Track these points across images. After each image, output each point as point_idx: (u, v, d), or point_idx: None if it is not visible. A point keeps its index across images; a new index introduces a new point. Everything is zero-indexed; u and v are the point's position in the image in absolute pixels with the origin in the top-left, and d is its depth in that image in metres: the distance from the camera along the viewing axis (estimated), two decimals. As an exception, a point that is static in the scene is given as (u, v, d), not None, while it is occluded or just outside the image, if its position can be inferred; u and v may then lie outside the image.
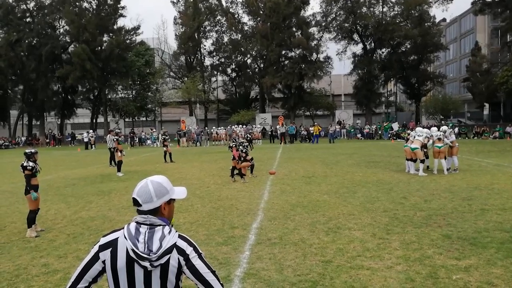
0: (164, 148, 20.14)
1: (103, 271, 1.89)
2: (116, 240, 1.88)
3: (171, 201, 1.97)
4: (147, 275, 1.84)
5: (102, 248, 1.89)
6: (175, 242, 1.86)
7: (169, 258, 1.83)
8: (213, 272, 1.89)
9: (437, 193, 9.64)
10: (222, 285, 1.91)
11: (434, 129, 14.02)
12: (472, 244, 5.70)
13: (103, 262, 1.87)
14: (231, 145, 13.19)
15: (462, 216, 7.32)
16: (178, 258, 1.85)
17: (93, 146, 36.13)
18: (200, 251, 1.92)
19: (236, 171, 12.74)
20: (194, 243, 1.92)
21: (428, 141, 13.14)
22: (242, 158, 13.89)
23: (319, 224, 7.10)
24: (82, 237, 6.84)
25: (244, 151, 13.90)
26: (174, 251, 1.85)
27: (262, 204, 9.01)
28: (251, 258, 5.46)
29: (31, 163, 7.18)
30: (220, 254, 5.63)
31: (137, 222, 1.88)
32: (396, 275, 4.71)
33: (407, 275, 4.68)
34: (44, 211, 8.94)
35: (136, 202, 1.90)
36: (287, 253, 5.59)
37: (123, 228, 1.92)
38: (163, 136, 21.61)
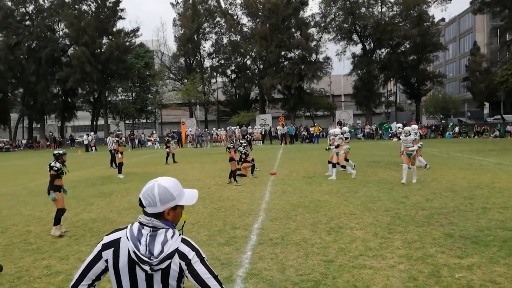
0: (167, 150, 20.11)
1: (106, 269, 1.90)
2: (118, 240, 1.87)
3: (177, 207, 1.91)
4: (149, 278, 1.83)
5: (105, 247, 1.88)
6: (177, 247, 1.83)
7: (170, 263, 1.81)
8: (215, 277, 1.86)
9: (439, 192, 9.63)
10: None
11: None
12: (475, 243, 5.69)
13: (106, 261, 1.87)
14: (229, 146, 13.10)
15: (464, 215, 7.31)
16: (180, 263, 1.82)
17: (93, 148, 36.13)
18: (203, 256, 1.88)
19: (238, 172, 12.66)
20: (197, 247, 1.89)
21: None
22: (242, 159, 13.89)
23: (321, 224, 7.09)
24: (83, 238, 6.84)
25: (243, 152, 13.90)
26: (176, 256, 1.82)
27: (263, 204, 9.00)
28: (253, 258, 5.45)
29: (58, 164, 7.26)
30: (222, 254, 5.62)
31: (140, 223, 1.86)
32: (398, 274, 4.70)
33: (409, 274, 4.67)
34: (46, 213, 8.94)
35: (141, 203, 1.88)
36: (289, 253, 5.58)
37: (126, 227, 1.90)
38: (166, 138, 21.62)
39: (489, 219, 6.98)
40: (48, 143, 45.27)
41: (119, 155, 15.58)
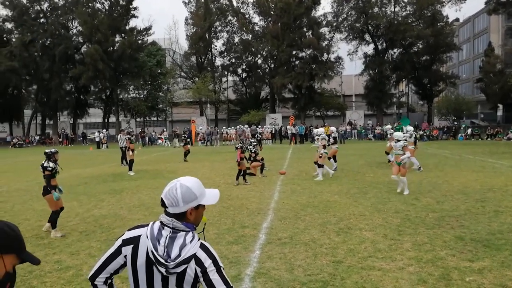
0: (183, 147, 20.58)
1: (124, 265, 1.92)
2: (139, 237, 1.88)
3: (199, 207, 1.91)
4: (164, 279, 1.83)
5: (125, 243, 1.90)
6: (195, 253, 1.81)
7: (186, 268, 1.79)
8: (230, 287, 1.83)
9: (450, 194, 9.53)
10: None
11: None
12: (486, 246, 5.62)
13: (125, 256, 1.89)
14: (237, 146, 13.02)
15: (476, 218, 7.22)
16: (196, 269, 1.80)
17: (104, 145, 36.48)
18: (220, 265, 1.85)
19: (246, 171, 12.58)
20: (215, 255, 1.86)
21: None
22: (252, 158, 13.88)
23: (330, 224, 7.06)
24: (94, 234, 6.91)
25: (253, 150, 13.89)
26: (193, 261, 1.80)
27: (272, 204, 9.00)
28: (261, 257, 5.46)
29: (51, 164, 7.00)
30: (230, 253, 5.64)
31: (161, 223, 1.86)
32: (408, 276, 4.67)
33: (419, 277, 4.63)
34: (57, 209, 9.05)
35: (163, 203, 1.86)
36: (298, 253, 5.57)
37: (148, 225, 1.91)
38: (183, 136, 21.92)
39: (501, 222, 6.88)
40: (60, 139, 45.84)
41: (130, 152, 15.72)
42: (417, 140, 15.91)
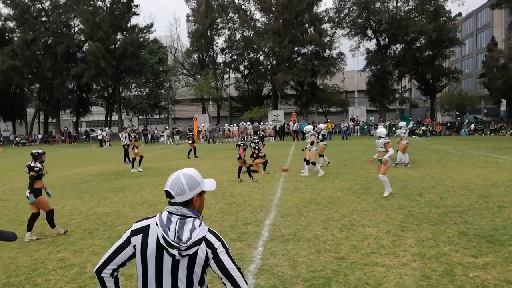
0: (190, 144, 20.69)
1: (133, 256, 1.98)
2: (148, 226, 1.96)
3: (202, 193, 2.04)
4: (175, 264, 1.90)
5: (134, 233, 1.97)
6: (205, 235, 1.92)
7: (197, 249, 1.89)
8: (239, 269, 1.94)
9: (453, 190, 9.50)
10: (246, 282, 1.96)
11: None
12: (490, 242, 5.60)
13: (134, 247, 1.96)
14: (239, 143, 12.98)
15: (479, 213, 7.19)
16: (206, 251, 1.91)
17: (107, 143, 36.56)
18: (228, 247, 1.97)
19: (244, 170, 12.53)
20: (222, 239, 1.98)
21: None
22: (254, 156, 13.88)
23: (333, 220, 7.06)
24: (97, 232, 6.93)
25: (256, 147, 13.89)
26: (203, 243, 1.90)
27: (275, 200, 9.00)
28: (264, 254, 5.46)
29: (39, 164, 6.74)
30: (233, 250, 5.64)
31: (169, 212, 1.96)
32: (411, 272, 4.66)
33: (423, 272, 4.62)
34: (60, 207, 9.08)
35: (169, 195, 1.96)
36: (301, 250, 5.57)
37: (155, 216, 1.99)
38: (189, 133, 22.01)
39: (505, 218, 6.85)
40: (63, 137, 45.96)
41: (135, 149, 15.80)
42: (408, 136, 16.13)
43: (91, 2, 47.80)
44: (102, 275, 1.99)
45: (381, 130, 9.84)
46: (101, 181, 13.22)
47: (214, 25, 51.15)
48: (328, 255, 5.30)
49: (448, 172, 12.44)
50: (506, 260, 4.90)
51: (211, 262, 1.91)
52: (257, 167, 13.75)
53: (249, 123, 39.24)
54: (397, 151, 14.37)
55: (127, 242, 1.96)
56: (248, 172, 12.11)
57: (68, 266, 5.35)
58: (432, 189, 9.71)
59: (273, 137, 36.64)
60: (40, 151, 6.89)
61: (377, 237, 6.00)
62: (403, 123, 15.61)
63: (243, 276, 1.95)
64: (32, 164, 6.70)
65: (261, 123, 40.06)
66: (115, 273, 2.01)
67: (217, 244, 1.92)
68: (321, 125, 16.54)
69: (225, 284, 1.94)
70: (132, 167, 15.54)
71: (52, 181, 13.35)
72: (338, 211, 7.76)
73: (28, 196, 6.61)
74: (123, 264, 2.00)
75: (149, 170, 15.61)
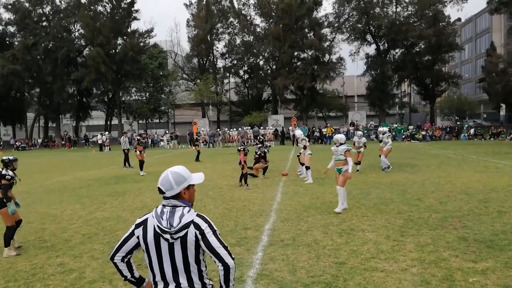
0: (195, 148, 21.07)
1: (137, 245, 2.34)
2: (146, 219, 2.32)
3: (190, 187, 2.34)
4: (171, 247, 2.23)
5: (137, 226, 2.34)
6: (193, 219, 2.23)
7: (187, 232, 2.20)
8: (225, 247, 2.25)
9: (453, 195, 9.50)
10: (233, 258, 2.26)
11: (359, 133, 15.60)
12: (489, 247, 5.59)
13: (137, 237, 2.32)
14: (239, 148, 12.74)
15: (479, 218, 7.19)
16: (195, 232, 2.21)
17: (106, 147, 36.56)
18: (215, 228, 2.27)
19: (247, 174, 12.42)
20: (210, 221, 2.27)
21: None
22: (261, 161, 13.88)
23: (332, 225, 7.05)
24: (97, 237, 6.92)
25: (258, 152, 13.89)
26: (192, 226, 2.21)
27: (274, 205, 8.99)
28: (264, 259, 5.45)
29: (11, 172, 6.14)
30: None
31: (163, 205, 2.29)
32: (411, 277, 4.65)
33: (422, 278, 4.62)
34: (60, 212, 9.08)
35: (160, 191, 2.29)
36: (300, 255, 5.57)
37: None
38: (196, 137, 22.15)
39: (505, 222, 6.85)
40: (63, 142, 45.95)
41: (138, 152, 15.96)
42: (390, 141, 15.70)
43: (92, 7, 47.97)
44: (114, 260, 2.37)
45: (341, 136, 8.88)
46: (101, 185, 13.21)
47: (214, 30, 51.32)
48: (327, 260, 5.30)
49: (447, 177, 12.44)
50: (505, 265, 4.89)
51: (201, 242, 2.21)
52: (257, 172, 13.74)
53: (249, 127, 39.26)
54: (380, 156, 14.49)
55: (132, 234, 2.33)
56: (245, 179, 11.89)
57: (67, 271, 5.34)
58: (431, 194, 9.71)
59: (272, 142, 36.65)
60: (11, 158, 6.39)
61: (376, 242, 6.00)
62: (384, 128, 15.71)
63: (229, 253, 2.25)
64: (4, 172, 6.08)
65: (261, 127, 40.07)
66: (125, 259, 2.37)
67: (203, 225, 2.22)
68: (298, 131, 16.62)
69: (215, 262, 2.24)
70: (141, 170, 15.83)
71: (52, 185, 13.35)
72: (337, 216, 7.76)
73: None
74: (130, 252, 2.36)
75: (149, 175, 15.60)
